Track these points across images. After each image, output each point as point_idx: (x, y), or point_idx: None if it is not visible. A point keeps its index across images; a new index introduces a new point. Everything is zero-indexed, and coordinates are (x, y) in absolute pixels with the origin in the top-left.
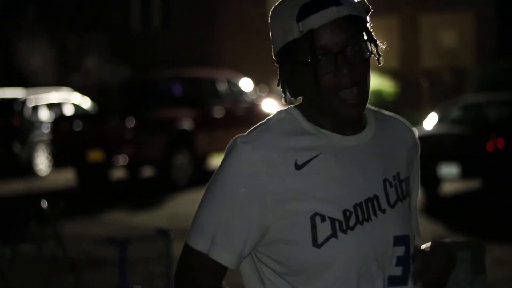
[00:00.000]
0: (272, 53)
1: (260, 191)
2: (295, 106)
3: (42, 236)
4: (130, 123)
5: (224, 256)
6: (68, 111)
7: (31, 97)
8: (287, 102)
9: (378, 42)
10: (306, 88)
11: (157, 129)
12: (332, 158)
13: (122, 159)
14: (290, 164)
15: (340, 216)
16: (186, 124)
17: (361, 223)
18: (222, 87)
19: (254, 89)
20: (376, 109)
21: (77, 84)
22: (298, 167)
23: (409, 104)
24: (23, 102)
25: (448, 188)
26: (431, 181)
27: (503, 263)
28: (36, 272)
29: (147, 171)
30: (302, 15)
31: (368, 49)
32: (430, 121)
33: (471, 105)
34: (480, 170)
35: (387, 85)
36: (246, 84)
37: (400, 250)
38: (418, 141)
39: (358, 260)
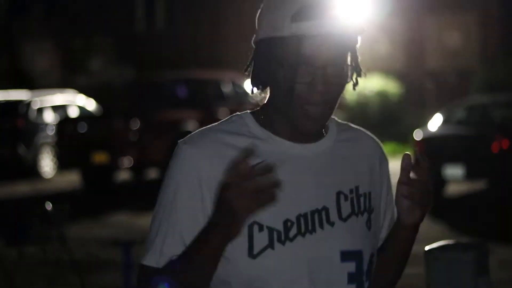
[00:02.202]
0: (253, 39)
1: (203, 188)
2: (251, 112)
3: (46, 238)
4: (135, 125)
5: (154, 260)
6: (73, 113)
7: (36, 99)
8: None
9: (361, 70)
10: (274, 87)
11: (162, 131)
12: (277, 166)
13: (127, 161)
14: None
15: (279, 226)
16: (191, 125)
17: (303, 235)
18: (226, 88)
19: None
20: (343, 122)
21: (82, 86)
22: None
23: (414, 105)
24: (28, 104)
25: (453, 189)
26: (436, 182)
27: (508, 264)
28: (41, 274)
29: (152, 173)
30: (297, 16)
31: (349, 74)
32: (435, 122)
33: (476, 106)
34: (485, 171)
35: (392, 86)
36: (250, 86)
37: (351, 266)
38: (385, 156)
39: (297, 272)
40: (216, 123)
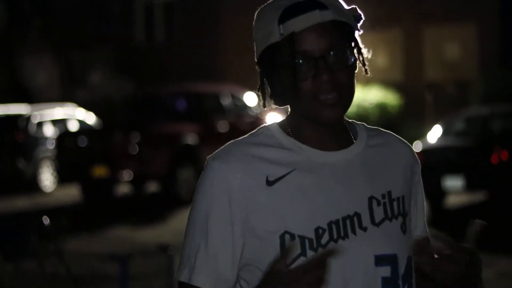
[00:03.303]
0: (254, 57)
1: (233, 206)
2: (278, 123)
3: (44, 253)
4: (135, 138)
5: (205, 281)
6: (73, 127)
7: (36, 113)
8: (266, 107)
9: (364, 50)
10: (286, 94)
11: (162, 144)
12: (307, 175)
13: (126, 175)
14: (261, 178)
15: (311, 234)
16: (191, 139)
17: (335, 241)
18: (226, 101)
19: (258, 103)
20: (373, 127)
21: (82, 100)
22: (269, 183)
23: (413, 116)
24: (27, 118)
25: (452, 200)
26: (435, 193)
27: (507, 276)
28: None
29: (152, 186)
30: (283, 17)
31: (351, 56)
32: (434, 134)
33: (475, 118)
34: (484, 183)
35: (391, 98)
36: (250, 98)
37: (385, 271)
38: (417, 158)
39: (331, 279)
40: (244, 137)
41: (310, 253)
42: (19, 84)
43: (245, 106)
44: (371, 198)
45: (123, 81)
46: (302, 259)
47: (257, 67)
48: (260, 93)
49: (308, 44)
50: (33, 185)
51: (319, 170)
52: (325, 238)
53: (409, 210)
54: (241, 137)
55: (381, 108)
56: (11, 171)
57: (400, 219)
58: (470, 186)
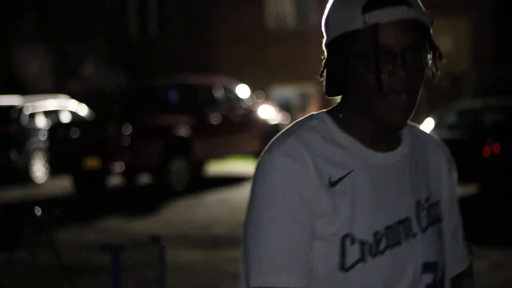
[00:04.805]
0: (324, 41)
1: (304, 205)
2: (327, 112)
3: (36, 243)
4: (127, 130)
5: (294, 280)
6: (65, 118)
7: (28, 104)
8: (328, 94)
9: (439, 54)
10: (353, 85)
11: (154, 136)
12: (364, 177)
13: (119, 166)
14: (325, 178)
15: (370, 239)
16: (183, 130)
17: (391, 247)
18: (218, 93)
19: (251, 96)
20: (413, 124)
21: (74, 91)
22: (332, 184)
23: None
24: (20, 110)
25: None
26: None
27: (500, 268)
28: (31, 279)
29: (144, 178)
30: (369, 6)
31: (427, 59)
32: (427, 127)
33: (467, 111)
34: (476, 175)
35: None
36: (242, 91)
37: (429, 278)
38: (453, 162)
39: (385, 284)
40: (297, 127)
41: (369, 259)
42: (11, 75)
43: (237, 98)
44: (418, 203)
45: (116, 73)
46: (361, 264)
47: (324, 52)
48: (325, 81)
49: (389, 38)
50: (25, 176)
51: (373, 172)
52: (383, 243)
53: (444, 215)
54: (297, 128)
55: None
56: (3, 162)
57: (437, 224)
58: (462, 179)
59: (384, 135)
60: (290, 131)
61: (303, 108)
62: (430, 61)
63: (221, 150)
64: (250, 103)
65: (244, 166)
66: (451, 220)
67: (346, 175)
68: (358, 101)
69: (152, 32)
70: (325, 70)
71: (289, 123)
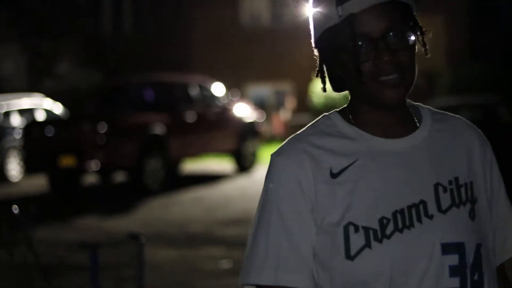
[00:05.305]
0: (312, 41)
1: (306, 199)
2: (339, 110)
3: (13, 241)
4: (102, 128)
5: (296, 279)
6: (40, 116)
7: (3, 103)
8: (326, 91)
9: (424, 30)
10: (347, 78)
11: (129, 134)
12: (370, 164)
13: (94, 165)
14: (326, 170)
15: (375, 225)
16: (158, 129)
17: (400, 231)
18: (194, 91)
19: (226, 94)
20: (439, 111)
21: (49, 90)
22: (333, 175)
23: None
24: None
25: None
26: None
27: None
28: (8, 277)
29: (119, 176)
30: None
31: (412, 36)
32: None
33: (442, 109)
34: None
35: None
36: (218, 89)
37: (453, 259)
38: (485, 140)
39: (397, 268)
40: (304, 128)
41: (374, 244)
42: None
43: (213, 97)
44: (437, 185)
45: (91, 72)
46: (367, 251)
47: (315, 51)
48: (320, 78)
49: (367, 26)
50: (0, 175)
51: (382, 159)
52: (389, 228)
53: (480, 196)
54: (302, 129)
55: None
56: None
57: (468, 205)
58: None
59: (394, 120)
60: (296, 133)
61: (278, 106)
62: (414, 38)
63: (197, 148)
64: (225, 101)
65: (220, 164)
66: (497, 202)
67: (350, 165)
68: (356, 92)
69: (126, 30)
70: (322, 69)
71: (264, 121)
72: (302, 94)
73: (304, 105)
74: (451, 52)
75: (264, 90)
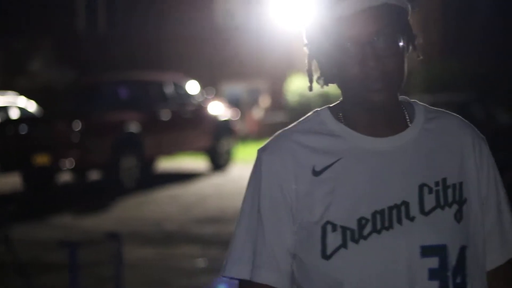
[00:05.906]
0: (304, 39)
1: (286, 197)
2: (331, 106)
3: None
4: (77, 126)
5: (270, 276)
6: (14, 114)
7: None
8: (312, 90)
9: (415, 34)
10: (334, 78)
11: (104, 132)
12: (354, 163)
13: (68, 163)
14: (308, 168)
15: (353, 225)
16: (133, 127)
17: (379, 232)
18: (168, 90)
19: (201, 92)
20: (434, 109)
21: (23, 88)
22: (315, 173)
23: None
24: None
25: None
26: None
27: None
28: None
29: (94, 175)
30: (332, 1)
31: (402, 40)
32: None
33: None
34: None
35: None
36: (192, 87)
37: (432, 262)
38: (481, 137)
39: (373, 271)
40: (293, 124)
41: (351, 245)
42: None
43: (187, 95)
44: (422, 186)
45: (65, 69)
46: (342, 251)
47: (305, 49)
48: (308, 77)
49: (356, 29)
50: None
51: (367, 158)
52: (367, 229)
53: (470, 196)
54: (291, 125)
55: (323, 97)
56: None
57: (454, 206)
58: None
59: (383, 119)
60: (284, 129)
61: (252, 104)
62: (403, 43)
63: (172, 146)
64: (200, 100)
65: (194, 162)
66: (490, 204)
67: (333, 163)
68: (344, 92)
69: (101, 27)
70: (310, 68)
71: (238, 119)
72: (277, 93)
73: (278, 103)
74: (425, 50)
75: (238, 88)
